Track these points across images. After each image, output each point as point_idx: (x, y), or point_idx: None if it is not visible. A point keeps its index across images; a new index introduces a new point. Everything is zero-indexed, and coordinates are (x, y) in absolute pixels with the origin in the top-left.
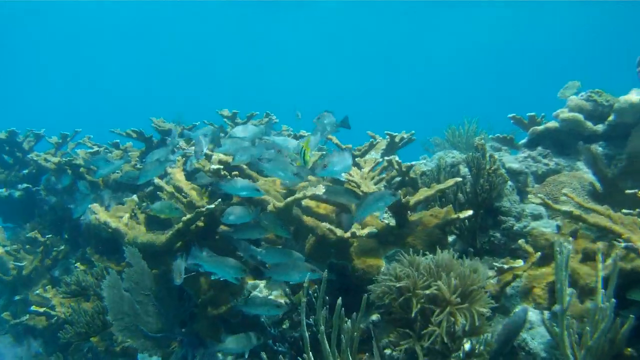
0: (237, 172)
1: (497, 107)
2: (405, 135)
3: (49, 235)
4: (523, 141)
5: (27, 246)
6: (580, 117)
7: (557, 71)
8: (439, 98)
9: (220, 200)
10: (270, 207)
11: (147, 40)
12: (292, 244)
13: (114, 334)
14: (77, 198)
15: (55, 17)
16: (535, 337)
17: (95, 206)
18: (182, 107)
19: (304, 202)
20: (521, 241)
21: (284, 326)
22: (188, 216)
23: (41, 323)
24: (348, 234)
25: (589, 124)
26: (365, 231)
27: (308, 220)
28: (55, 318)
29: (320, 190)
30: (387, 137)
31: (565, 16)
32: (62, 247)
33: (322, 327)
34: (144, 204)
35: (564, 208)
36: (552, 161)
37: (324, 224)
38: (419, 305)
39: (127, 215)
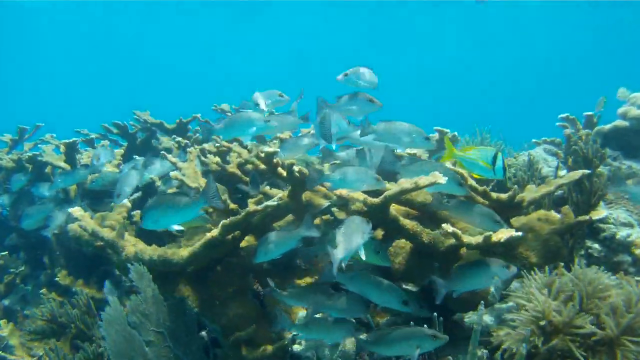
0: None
1: (494, 119)
2: (455, 134)
3: (3, 253)
4: None
5: None
6: None
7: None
8: (428, 110)
9: (280, 197)
10: (356, 206)
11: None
12: None
13: None
14: (34, 204)
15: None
16: None
17: (77, 210)
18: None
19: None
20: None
21: None
22: (233, 218)
23: None
24: (498, 238)
25: None
26: (510, 233)
27: (408, 224)
28: None
29: (441, 180)
30: (436, 133)
31: (562, 20)
32: (22, 268)
33: None
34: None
35: None
36: (624, 164)
37: (445, 224)
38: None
39: (120, 224)
